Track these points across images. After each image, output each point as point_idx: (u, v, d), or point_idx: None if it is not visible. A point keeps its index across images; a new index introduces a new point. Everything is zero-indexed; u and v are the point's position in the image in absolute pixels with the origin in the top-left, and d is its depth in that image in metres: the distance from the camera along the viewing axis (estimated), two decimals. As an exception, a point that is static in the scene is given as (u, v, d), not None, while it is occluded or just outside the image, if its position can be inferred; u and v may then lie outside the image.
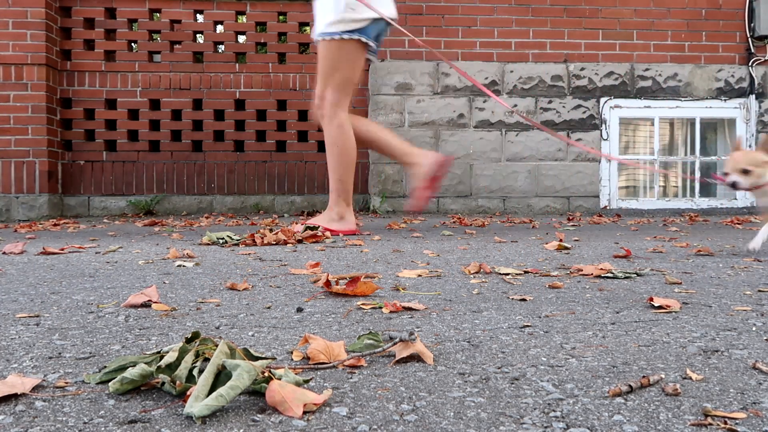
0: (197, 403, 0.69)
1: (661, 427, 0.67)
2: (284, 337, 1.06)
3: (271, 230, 2.99)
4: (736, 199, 5.58)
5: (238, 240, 2.76)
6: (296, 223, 3.30)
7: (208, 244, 2.72)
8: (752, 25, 5.47)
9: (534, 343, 1.02)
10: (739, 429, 0.67)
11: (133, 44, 5.66)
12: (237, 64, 5.62)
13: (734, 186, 2.25)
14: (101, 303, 1.37)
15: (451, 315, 1.24)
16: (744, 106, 5.54)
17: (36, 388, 0.79)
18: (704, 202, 5.60)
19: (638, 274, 1.78)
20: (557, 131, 5.43)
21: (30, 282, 1.67)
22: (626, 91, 5.47)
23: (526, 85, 5.40)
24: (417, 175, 3.29)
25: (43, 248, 2.42)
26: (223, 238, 2.77)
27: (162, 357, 0.83)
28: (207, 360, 0.81)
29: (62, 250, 2.47)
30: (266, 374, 0.76)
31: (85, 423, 0.68)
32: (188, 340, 0.85)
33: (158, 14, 5.63)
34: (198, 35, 5.78)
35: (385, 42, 5.35)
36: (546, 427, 0.67)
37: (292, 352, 0.96)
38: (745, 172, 2.22)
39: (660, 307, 1.29)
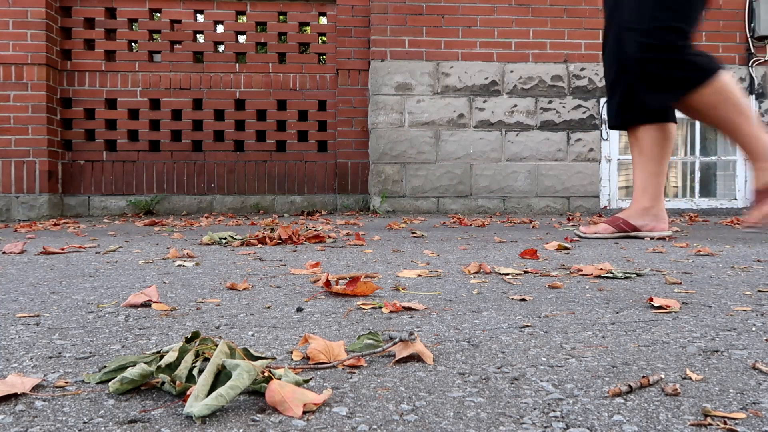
0: (197, 403, 0.69)
1: (661, 427, 0.67)
2: (284, 337, 1.06)
3: (272, 230, 2.99)
4: (736, 199, 5.58)
5: (241, 239, 2.76)
6: (294, 222, 3.24)
7: (209, 244, 2.72)
8: (752, 25, 5.47)
9: (534, 343, 1.02)
10: (738, 429, 0.67)
11: (133, 44, 5.66)
12: (237, 64, 5.62)
13: None
14: (101, 303, 1.37)
15: (451, 315, 1.24)
16: (744, 107, 5.54)
17: (36, 388, 0.79)
18: (704, 202, 5.60)
19: (638, 274, 1.78)
20: (557, 131, 5.43)
21: (30, 282, 1.67)
22: (626, 91, 5.46)
23: (526, 85, 5.40)
24: None
25: (43, 248, 2.42)
26: (225, 238, 2.77)
27: (162, 357, 0.83)
28: (207, 360, 0.81)
29: (62, 249, 2.47)
30: (266, 374, 0.76)
31: (85, 423, 0.69)
32: (188, 340, 0.85)
33: (158, 14, 5.63)
34: (198, 35, 5.78)
35: (385, 42, 5.35)
36: (546, 427, 0.67)
37: (292, 352, 0.96)
38: None
39: (660, 307, 1.29)
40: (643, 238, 2.95)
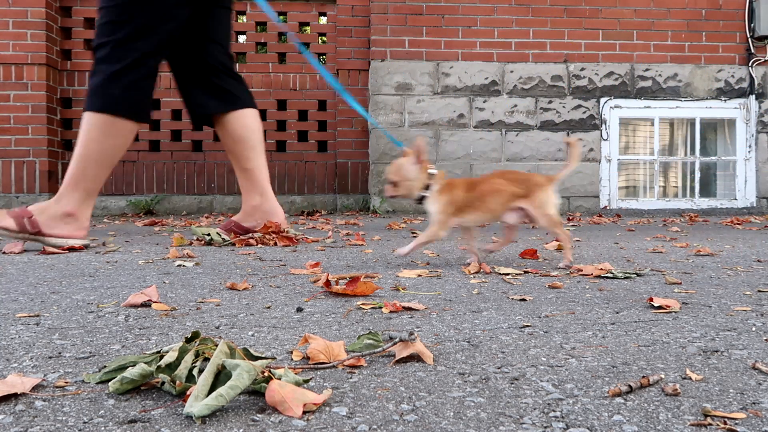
0: (197, 403, 0.69)
1: (661, 427, 0.67)
2: (284, 337, 1.06)
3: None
4: (736, 199, 5.58)
5: (227, 240, 2.74)
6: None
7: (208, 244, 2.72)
8: (752, 25, 5.47)
9: (534, 343, 1.02)
10: (738, 429, 0.67)
11: (133, 44, 5.65)
12: (237, 64, 5.62)
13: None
14: (101, 303, 1.37)
15: (451, 315, 1.24)
16: (744, 107, 5.54)
17: (36, 388, 0.79)
18: (704, 203, 5.60)
19: (638, 274, 1.78)
20: (557, 131, 5.43)
21: (30, 282, 1.67)
22: (626, 92, 5.46)
23: (526, 85, 5.40)
24: None
25: (43, 248, 2.42)
26: (208, 234, 2.72)
27: (162, 357, 0.83)
28: (207, 360, 0.81)
29: (62, 249, 2.46)
30: (266, 374, 0.76)
31: (85, 423, 0.68)
32: (188, 340, 0.85)
33: (158, 14, 5.63)
34: (198, 35, 5.77)
35: (385, 42, 5.35)
36: (546, 427, 0.67)
37: (292, 352, 0.96)
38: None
39: (660, 307, 1.29)
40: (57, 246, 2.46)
